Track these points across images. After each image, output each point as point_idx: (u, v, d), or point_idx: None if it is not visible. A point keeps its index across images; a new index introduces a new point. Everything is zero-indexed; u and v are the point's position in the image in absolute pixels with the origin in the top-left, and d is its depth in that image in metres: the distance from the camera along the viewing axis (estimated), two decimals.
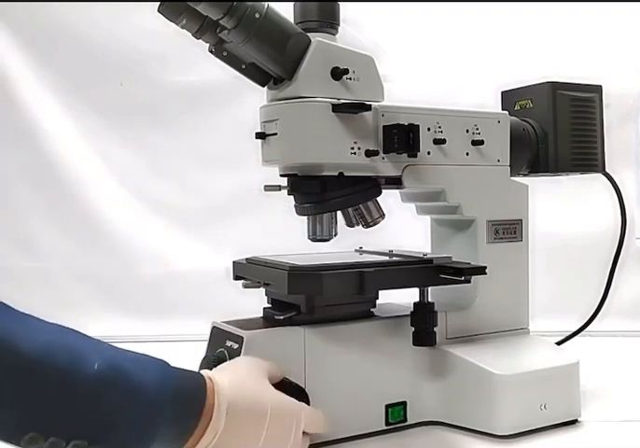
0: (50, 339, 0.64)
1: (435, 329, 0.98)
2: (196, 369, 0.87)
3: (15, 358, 0.60)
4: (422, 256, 1.02)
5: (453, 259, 1.01)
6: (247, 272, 1.02)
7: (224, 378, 0.77)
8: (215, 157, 1.94)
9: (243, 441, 0.75)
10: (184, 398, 0.71)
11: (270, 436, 0.77)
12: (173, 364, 0.73)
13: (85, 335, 0.68)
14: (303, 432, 0.82)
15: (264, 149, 0.99)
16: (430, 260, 0.99)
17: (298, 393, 0.86)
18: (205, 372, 0.78)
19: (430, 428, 1.01)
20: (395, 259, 1.02)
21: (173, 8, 0.88)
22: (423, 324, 0.97)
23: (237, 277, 1.05)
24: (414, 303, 1.00)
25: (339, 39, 0.96)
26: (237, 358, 0.88)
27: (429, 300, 0.99)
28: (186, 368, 0.75)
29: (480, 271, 0.95)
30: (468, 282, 0.95)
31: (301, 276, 0.91)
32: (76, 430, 0.63)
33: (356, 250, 1.16)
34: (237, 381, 0.78)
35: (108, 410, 0.64)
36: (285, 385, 0.86)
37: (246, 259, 1.04)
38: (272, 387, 0.82)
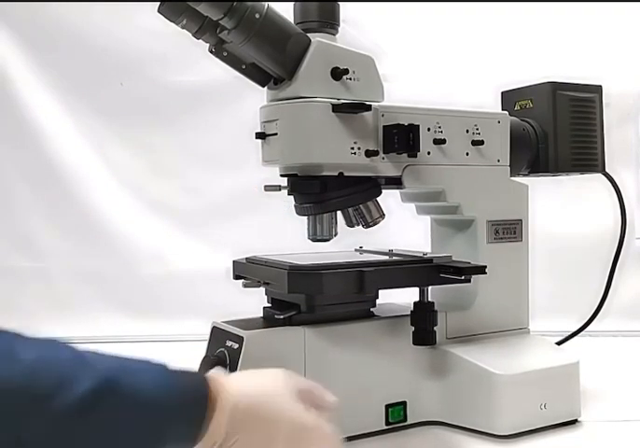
0: (36, 362, 0.59)
1: (435, 328, 0.98)
2: (196, 368, 0.87)
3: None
4: (422, 255, 1.02)
5: (453, 259, 1.01)
6: (247, 271, 1.02)
7: (234, 381, 0.71)
8: (216, 157, 1.94)
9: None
10: (187, 402, 0.66)
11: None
12: (173, 364, 0.71)
13: (75, 350, 0.63)
14: None
15: (264, 149, 0.99)
16: (430, 260, 0.99)
17: None
18: (216, 373, 0.74)
19: (430, 428, 1.01)
20: (395, 258, 1.02)
21: (174, 8, 0.88)
22: (423, 323, 0.97)
23: (237, 277, 1.05)
24: (414, 303, 1.00)
25: (339, 39, 0.96)
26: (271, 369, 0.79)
27: (429, 299, 1.00)
28: (186, 369, 0.70)
29: (480, 270, 0.95)
30: (469, 281, 0.95)
31: (301, 275, 0.91)
32: None
33: (356, 250, 1.16)
34: (252, 384, 0.72)
35: (112, 428, 0.61)
36: None
37: (246, 258, 1.05)
38: (294, 398, 0.73)
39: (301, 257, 1.01)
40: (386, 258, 1.03)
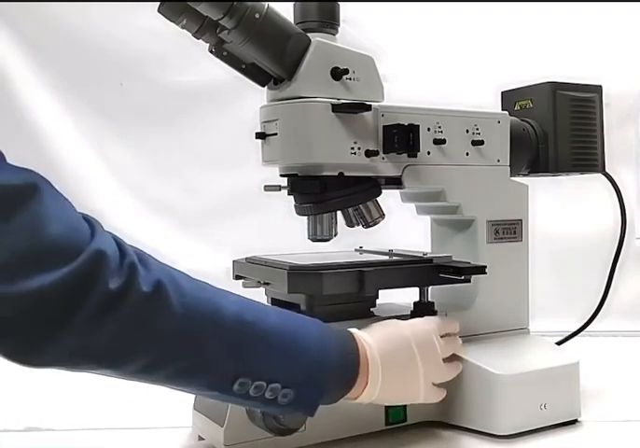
0: (238, 301, 0.75)
1: None
2: None
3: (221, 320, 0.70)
4: (422, 255, 1.02)
5: (453, 259, 1.01)
6: (247, 271, 1.02)
7: (365, 334, 0.85)
8: (216, 157, 1.94)
9: (404, 382, 0.86)
10: (344, 351, 0.80)
11: (424, 361, 0.86)
12: None
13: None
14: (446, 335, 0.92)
15: (264, 149, 0.99)
16: (430, 260, 0.99)
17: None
18: (350, 330, 0.85)
19: (430, 428, 1.01)
20: (395, 258, 1.02)
21: (174, 8, 0.88)
22: None
23: (237, 277, 1.05)
24: (414, 303, 1.00)
25: (339, 39, 0.96)
26: None
27: (429, 299, 0.99)
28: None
29: (480, 270, 0.95)
30: (468, 281, 0.95)
31: (301, 275, 0.91)
32: (271, 376, 0.73)
33: (356, 250, 1.16)
34: (374, 330, 0.87)
35: (290, 358, 0.75)
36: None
37: (246, 258, 1.05)
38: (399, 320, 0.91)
39: (301, 257, 1.01)
40: (386, 258, 1.03)
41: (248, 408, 0.84)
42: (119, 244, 0.66)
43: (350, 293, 0.93)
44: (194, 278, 0.73)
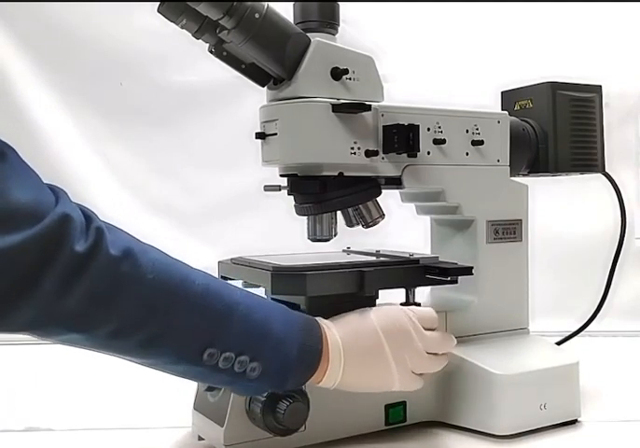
0: (206, 275, 0.77)
1: None
2: None
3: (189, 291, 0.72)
4: (408, 256, 1.02)
5: (449, 260, 1.00)
6: (232, 272, 1.02)
7: (329, 321, 0.87)
8: (216, 157, 1.94)
9: (370, 367, 0.85)
10: (307, 334, 0.81)
11: (394, 347, 0.86)
12: None
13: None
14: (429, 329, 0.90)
15: (264, 149, 0.99)
16: (417, 260, 0.98)
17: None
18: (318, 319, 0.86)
19: (430, 428, 1.01)
20: (381, 259, 1.01)
21: (173, 8, 0.88)
22: None
23: (222, 278, 1.04)
24: (400, 304, 0.99)
25: (339, 39, 0.96)
26: None
27: (415, 300, 0.98)
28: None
29: (467, 271, 0.94)
30: (455, 282, 0.94)
31: (285, 277, 0.91)
32: (240, 348, 0.75)
33: (344, 250, 1.16)
34: (339, 317, 0.88)
35: (257, 330, 0.77)
36: None
37: (231, 259, 1.04)
38: (372, 308, 0.90)
39: (286, 257, 1.00)
40: (373, 258, 1.02)
41: (221, 386, 0.86)
42: (85, 211, 0.67)
43: (350, 293, 0.92)
44: (164, 252, 0.74)
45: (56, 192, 0.66)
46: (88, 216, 0.66)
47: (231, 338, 0.75)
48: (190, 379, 0.79)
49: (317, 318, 0.86)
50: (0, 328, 0.62)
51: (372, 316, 0.88)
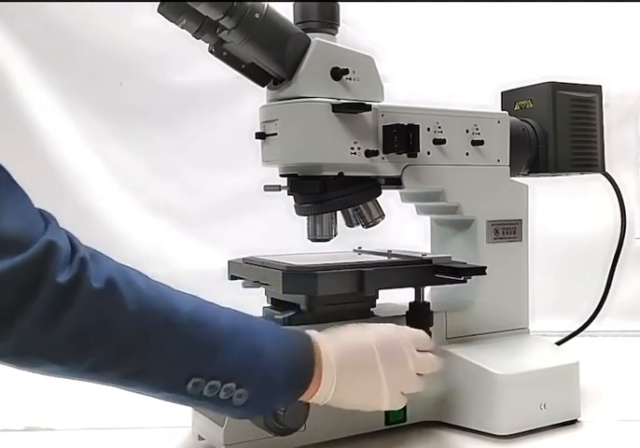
0: (193, 301, 0.75)
1: (431, 328, 0.98)
2: None
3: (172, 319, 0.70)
4: (420, 256, 1.02)
5: (453, 260, 1.01)
6: (243, 271, 1.02)
7: (325, 336, 0.84)
8: (216, 157, 1.94)
9: (362, 386, 0.83)
10: (299, 354, 0.80)
11: (388, 368, 0.83)
12: None
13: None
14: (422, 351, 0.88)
15: (264, 149, 0.99)
16: (429, 260, 0.99)
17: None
18: (309, 332, 0.84)
19: (430, 428, 1.01)
20: (393, 259, 1.02)
21: (174, 8, 0.88)
22: (418, 324, 0.97)
23: (232, 277, 1.05)
24: (409, 303, 1.00)
25: (339, 39, 0.96)
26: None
27: (425, 299, 0.99)
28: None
29: (480, 271, 0.95)
30: (465, 281, 0.95)
31: (296, 276, 0.91)
32: (226, 376, 0.73)
33: (355, 250, 1.16)
34: (336, 333, 0.85)
35: (245, 357, 0.75)
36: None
37: (243, 258, 1.04)
38: (370, 324, 0.88)
39: (299, 257, 1.01)
40: (385, 258, 1.03)
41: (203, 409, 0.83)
42: (72, 240, 0.66)
43: (350, 293, 0.93)
44: (150, 278, 0.73)
45: (45, 218, 0.65)
46: (74, 245, 0.65)
47: (218, 367, 0.73)
48: (174, 402, 0.76)
49: (312, 333, 0.84)
50: None
51: (371, 336, 0.85)
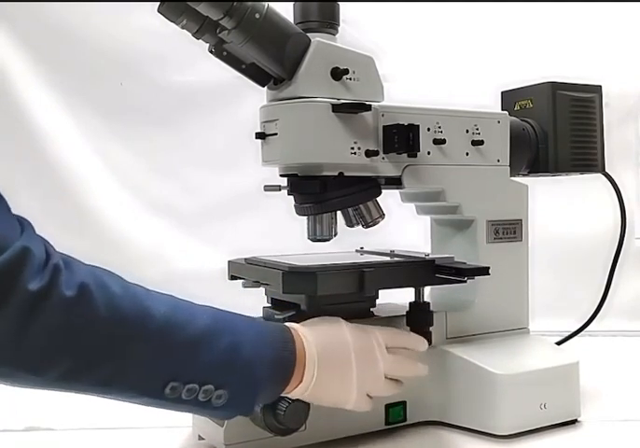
0: (168, 303, 0.74)
1: (431, 328, 0.98)
2: None
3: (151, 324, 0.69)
4: (423, 256, 1.02)
5: (455, 260, 1.01)
6: (243, 271, 1.02)
7: (306, 330, 0.85)
8: (216, 157, 1.94)
9: (336, 383, 0.83)
10: (280, 348, 0.80)
11: (360, 368, 0.84)
12: None
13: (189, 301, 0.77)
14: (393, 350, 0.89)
15: (264, 149, 0.99)
16: (432, 261, 0.99)
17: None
18: (290, 325, 0.85)
19: (430, 428, 1.01)
20: (396, 259, 1.02)
21: (174, 8, 0.88)
22: (418, 324, 0.97)
23: (233, 277, 1.05)
24: (410, 303, 0.99)
25: (339, 39, 0.96)
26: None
27: (425, 299, 0.99)
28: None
29: (483, 271, 0.94)
30: (466, 281, 0.94)
31: (296, 276, 0.91)
32: (204, 378, 0.72)
33: (357, 250, 1.16)
34: (314, 326, 0.86)
35: (223, 357, 0.74)
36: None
37: (245, 258, 1.04)
38: (344, 321, 0.88)
39: (301, 258, 1.01)
40: (387, 258, 1.03)
41: (183, 412, 0.81)
42: (47, 247, 0.66)
43: (350, 293, 0.93)
44: (127, 281, 0.72)
45: (23, 225, 0.65)
46: (48, 252, 0.65)
47: (195, 370, 0.72)
48: (155, 407, 0.75)
49: (292, 326, 0.85)
50: None
51: (347, 332, 0.86)
